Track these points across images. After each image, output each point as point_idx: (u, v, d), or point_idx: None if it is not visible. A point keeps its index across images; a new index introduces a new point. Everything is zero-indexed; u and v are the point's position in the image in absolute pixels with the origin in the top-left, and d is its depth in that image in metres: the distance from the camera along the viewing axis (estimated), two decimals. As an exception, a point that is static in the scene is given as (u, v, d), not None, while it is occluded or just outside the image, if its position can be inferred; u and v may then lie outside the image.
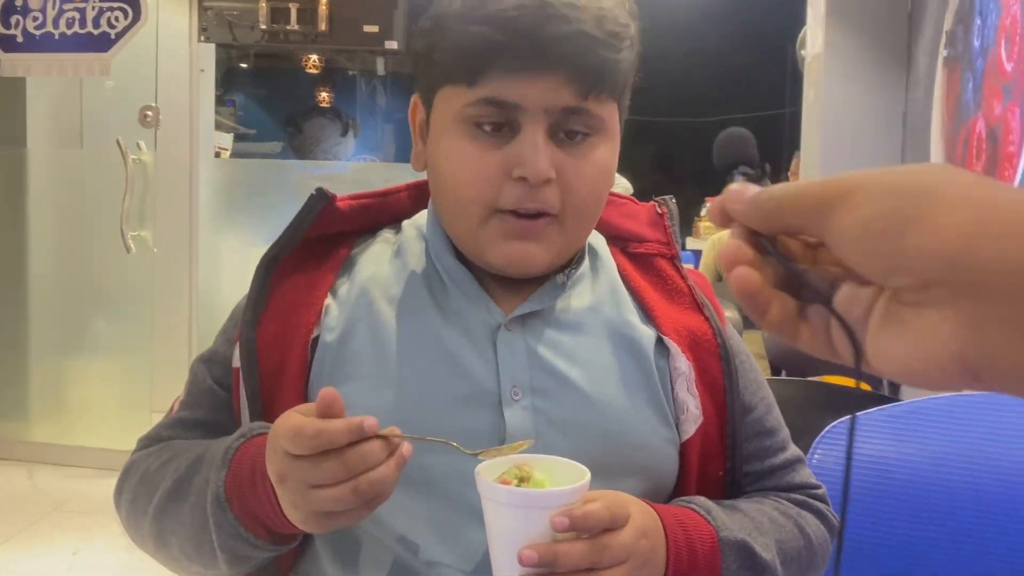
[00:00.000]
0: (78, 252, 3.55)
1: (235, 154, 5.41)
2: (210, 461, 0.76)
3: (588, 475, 0.66)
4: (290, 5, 3.57)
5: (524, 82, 0.75)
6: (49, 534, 2.81)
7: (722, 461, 0.84)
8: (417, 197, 0.92)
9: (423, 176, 0.87)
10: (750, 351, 0.90)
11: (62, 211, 3.57)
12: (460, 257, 0.84)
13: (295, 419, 0.64)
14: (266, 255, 0.84)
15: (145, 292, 3.46)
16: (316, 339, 0.81)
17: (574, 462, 0.68)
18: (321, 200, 0.85)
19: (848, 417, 0.98)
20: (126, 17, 3.19)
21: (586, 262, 0.88)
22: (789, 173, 4.41)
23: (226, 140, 5.88)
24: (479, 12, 0.75)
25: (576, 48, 0.74)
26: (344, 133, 7.37)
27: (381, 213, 0.91)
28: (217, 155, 4.55)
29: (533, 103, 0.75)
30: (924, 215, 0.35)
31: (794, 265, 0.43)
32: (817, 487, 0.89)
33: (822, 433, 0.98)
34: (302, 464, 0.63)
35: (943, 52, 2.80)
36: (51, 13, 3.22)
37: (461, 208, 0.79)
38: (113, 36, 3.20)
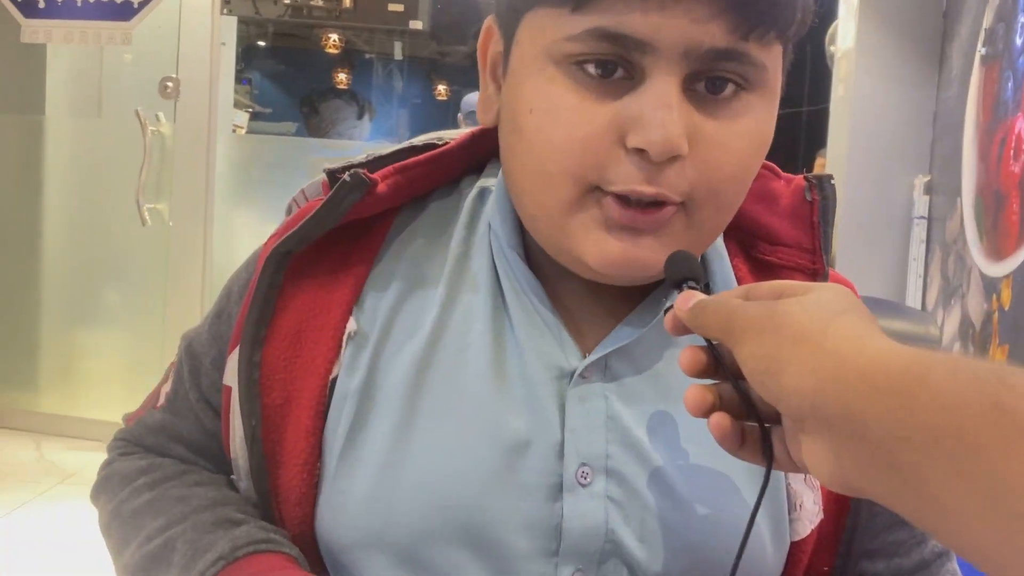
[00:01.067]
0: (93, 222, 3.52)
1: (250, 132, 5.38)
2: (178, 567, 0.58)
3: None
4: (315, -20, 3.53)
5: (659, 8, 0.50)
6: (56, 505, 2.78)
7: (832, 555, 0.62)
8: (475, 153, 0.68)
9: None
10: None
11: (78, 180, 3.54)
12: (530, 258, 0.62)
13: None
14: (277, 248, 0.61)
15: (159, 265, 3.43)
16: (334, 380, 0.60)
17: None
18: (357, 191, 0.60)
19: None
20: (149, -14, 3.15)
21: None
22: (814, 167, 4.36)
23: (242, 119, 5.85)
24: None
25: None
26: (360, 116, 7.34)
27: (430, 181, 0.67)
28: (233, 132, 4.52)
29: (670, 41, 0.51)
30: (793, 359, 0.42)
31: (736, 382, 0.49)
32: None
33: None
34: None
35: (981, 50, 2.75)
36: (74, -20, 3.18)
37: (544, 182, 0.55)
38: (136, 5, 3.16)
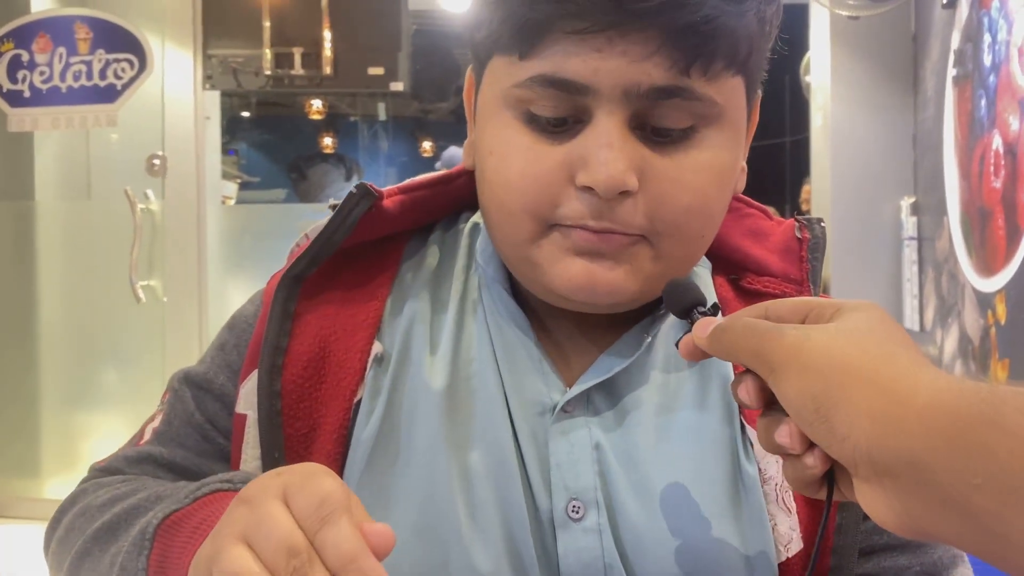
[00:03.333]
0: (88, 303, 3.52)
1: (240, 202, 5.42)
2: (134, 524, 0.54)
3: None
4: (294, 50, 3.59)
5: (596, 51, 0.51)
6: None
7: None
8: (471, 183, 0.68)
9: None
10: None
11: (71, 262, 3.56)
12: (516, 290, 0.63)
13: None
14: (287, 273, 0.61)
15: (156, 342, 3.43)
16: (359, 402, 0.60)
17: None
18: (364, 200, 0.61)
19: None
20: (132, 68, 3.20)
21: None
22: (801, 201, 4.39)
23: (231, 189, 5.89)
24: None
25: None
26: (348, 178, 7.40)
27: (435, 206, 0.68)
28: (223, 204, 4.55)
29: (609, 82, 0.51)
30: (843, 401, 0.38)
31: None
32: None
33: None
34: None
35: (952, 71, 2.79)
36: (58, 67, 3.23)
37: (507, 219, 0.57)
38: (119, 87, 3.20)
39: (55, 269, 3.56)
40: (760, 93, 0.63)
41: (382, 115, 7.18)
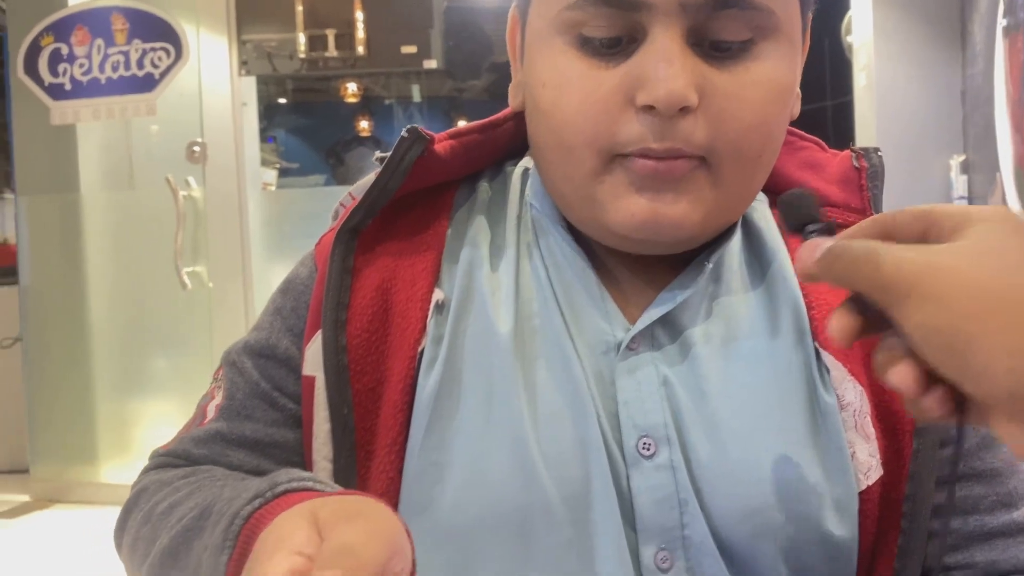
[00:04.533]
0: (136, 292, 3.58)
1: (280, 189, 5.46)
2: (216, 521, 0.50)
3: None
4: (327, 32, 3.59)
5: None
6: None
7: (898, 518, 0.58)
8: (519, 127, 0.66)
9: None
10: None
11: (118, 252, 3.62)
12: (573, 231, 0.61)
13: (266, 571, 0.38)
14: (343, 227, 0.60)
15: (203, 327, 3.48)
16: (422, 351, 0.58)
17: None
18: (417, 145, 0.59)
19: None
20: (168, 56, 3.23)
21: (738, 236, 0.62)
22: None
23: (271, 176, 5.94)
24: None
25: None
26: (385, 160, 7.43)
27: (484, 151, 0.66)
28: (263, 190, 4.59)
29: None
30: (981, 336, 0.36)
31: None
32: None
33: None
34: None
35: (1002, 21, 2.69)
36: (96, 59, 3.27)
37: (566, 155, 0.55)
38: (157, 76, 3.23)
39: (102, 259, 3.63)
40: (811, 14, 0.60)
41: (416, 96, 7.18)
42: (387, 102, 7.90)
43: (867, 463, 0.56)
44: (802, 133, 0.67)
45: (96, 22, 3.27)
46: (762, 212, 0.64)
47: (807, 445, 0.56)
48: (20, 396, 3.67)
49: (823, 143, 0.67)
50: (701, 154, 0.53)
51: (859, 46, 3.55)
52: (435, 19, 3.60)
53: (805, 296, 0.59)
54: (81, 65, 3.28)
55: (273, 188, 5.18)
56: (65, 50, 3.30)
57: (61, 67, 3.29)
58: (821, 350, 0.58)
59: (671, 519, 0.54)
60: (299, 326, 0.62)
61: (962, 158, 3.18)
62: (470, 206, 0.65)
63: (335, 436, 0.58)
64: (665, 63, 0.51)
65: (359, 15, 3.56)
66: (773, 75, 0.54)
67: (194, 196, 3.45)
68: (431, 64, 3.60)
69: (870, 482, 0.56)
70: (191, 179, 3.44)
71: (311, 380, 0.60)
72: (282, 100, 7.38)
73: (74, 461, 3.65)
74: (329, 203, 0.72)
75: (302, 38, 3.58)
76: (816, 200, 0.50)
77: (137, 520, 0.61)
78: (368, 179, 0.63)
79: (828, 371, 0.57)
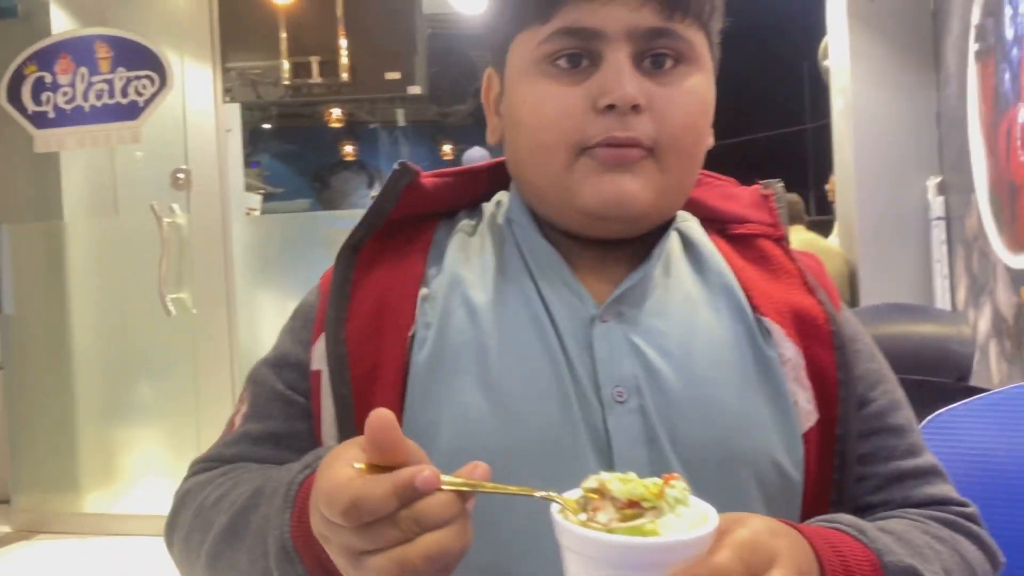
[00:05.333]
0: (119, 318, 3.57)
1: (264, 213, 5.46)
2: (271, 494, 0.62)
3: (715, 517, 0.49)
4: (311, 59, 3.62)
5: (601, 5, 0.69)
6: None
7: (831, 457, 0.72)
8: (495, 178, 0.83)
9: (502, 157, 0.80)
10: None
11: (101, 279, 3.61)
12: (546, 235, 0.76)
13: (333, 478, 0.50)
14: (346, 244, 0.75)
15: (187, 354, 3.47)
16: (413, 336, 0.71)
17: (692, 496, 0.50)
18: (406, 175, 0.75)
19: (947, 408, 0.92)
20: (153, 84, 3.24)
21: (677, 243, 0.78)
22: (827, 187, 4.35)
23: (255, 201, 5.94)
24: None
25: None
26: (370, 184, 7.44)
27: (462, 192, 0.82)
28: (247, 215, 4.59)
29: (614, 27, 0.69)
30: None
31: None
32: (964, 504, 0.74)
33: (920, 428, 0.92)
34: (343, 531, 0.49)
35: (974, 46, 2.75)
36: (80, 87, 3.28)
37: (545, 153, 0.71)
38: (141, 104, 3.25)
39: (86, 286, 3.62)
40: (715, 64, 0.77)
41: (401, 120, 7.21)
42: (372, 126, 7.93)
43: (806, 408, 0.71)
44: (717, 175, 0.84)
45: (80, 51, 3.29)
46: (695, 228, 0.80)
47: (758, 390, 0.70)
48: (1, 425, 3.64)
49: (735, 181, 0.85)
50: (650, 145, 0.70)
51: (836, 70, 3.60)
52: (419, 45, 3.64)
53: (741, 281, 0.75)
54: (65, 93, 3.29)
55: (257, 213, 5.18)
56: (49, 79, 3.31)
57: (44, 95, 3.30)
58: (762, 317, 0.73)
59: (642, 455, 0.66)
60: (307, 337, 0.75)
61: (939, 179, 3.23)
62: (450, 227, 0.80)
63: (339, 417, 0.70)
64: (619, 73, 0.69)
65: (343, 42, 3.59)
66: (696, 89, 0.72)
67: (178, 222, 3.45)
68: (415, 90, 3.63)
69: (811, 424, 0.71)
70: (175, 206, 3.44)
71: (318, 374, 0.73)
72: (267, 126, 7.39)
73: (56, 491, 3.61)
74: (313, 228, 0.84)
75: (286, 65, 3.61)
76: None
77: (188, 517, 0.71)
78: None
79: (769, 333, 0.72)
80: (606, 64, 0.69)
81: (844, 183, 3.60)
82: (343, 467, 0.50)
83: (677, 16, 0.70)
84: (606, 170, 0.70)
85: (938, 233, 3.20)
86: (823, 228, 4.33)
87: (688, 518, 0.49)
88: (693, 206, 0.80)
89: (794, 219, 4.00)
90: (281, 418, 0.74)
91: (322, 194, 7.39)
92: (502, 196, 0.82)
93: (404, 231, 0.77)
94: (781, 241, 0.79)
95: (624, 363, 0.69)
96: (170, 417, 3.55)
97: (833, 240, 4.00)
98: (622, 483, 0.49)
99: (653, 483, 0.49)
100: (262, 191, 6.49)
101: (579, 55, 0.70)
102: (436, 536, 0.48)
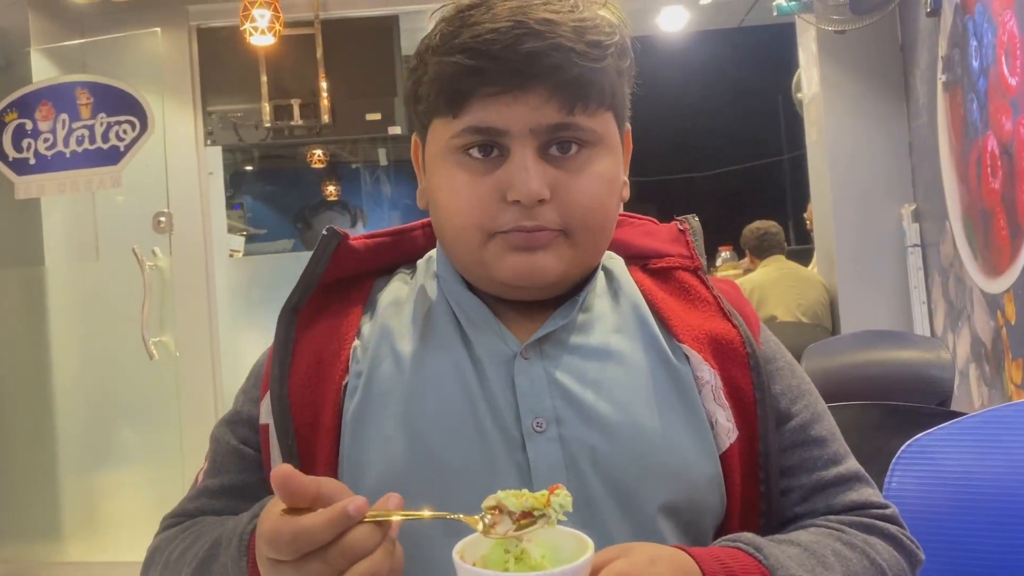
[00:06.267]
0: (102, 363, 3.54)
1: (247, 255, 5.46)
2: (227, 545, 0.70)
3: (591, 548, 0.56)
4: (292, 102, 3.65)
5: (507, 105, 0.73)
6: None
7: (756, 473, 0.77)
8: (431, 235, 0.89)
9: None
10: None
11: (83, 324, 3.58)
12: (473, 289, 0.82)
13: (272, 521, 0.58)
14: (285, 307, 0.82)
15: (170, 397, 3.44)
16: (346, 385, 0.78)
17: (573, 530, 0.58)
18: (333, 239, 0.82)
19: (925, 433, 0.94)
20: (134, 129, 3.25)
21: (601, 280, 0.84)
22: (805, 216, 4.41)
23: (238, 243, 5.93)
24: (455, 41, 0.74)
25: (554, 62, 0.72)
26: (353, 223, 7.46)
27: (397, 252, 0.89)
28: (230, 257, 4.59)
29: (518, 125, 0.73)
30: None
31: None
32: (884, 506, 0.79)
33: (898, 454, 0.93)
34: (285, 569, 0.57)
35: (941, 77, 2.82)
36: (61, 133, 3.29)
37: (460, 235, 0.77)
38: (122, 148, 3.26)
39: (68, 331, 3.59)
40: (628, 125, 0.83)
41: (383, 160, 7.25)
42: (354, 166, 7.97)
43: (725, 427, 0.76)
44: (638, 215, 0.91)
45: (60, 97, 3.30)
46: (619, 265, 0.86)
47: (675, 411, 0.76)
48: (-18, 475, 3.58)
49: (654, 219, 0.91)
50: (559, 229, 0.75)
51: (808, 102, 3.67)
52: (398, 87, 3.67)
53: (657, 311, 0.81)
54: (45, 140, 3.30)
55: (240, 255, 5.18)
56: (29, 125, 3.31)
57: (25, 142, 3.30)
58: (680, 344, 0.79)
59: (562, 478, 0.71)
60: (257, 395, 0.81)
61: (913, 207, 3.29)
62: (385, 283, 0.86)
63: (284, 457, 0.76)
64: (524, 170, 0.73)
65: (323, 84, 3.62)
66: (601, 171, 0.77)
67: (160, 266, 3.44)
68: (395, 130, 3.66)
69: (731, 441, 0.76)
70: (157, 249, 3.44)
71: (266, 427, 0.79)
72: (249, 167, 7.41)
73: (40, 540, 3.56)
74: (296, 268, 0.85)
75: (267, 108, 3.63)
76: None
77: (157, 571, 0.78)
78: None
79: (687, 358, 0.78)
80: (512, 159, 0.74)
81: (821, 213, 3.65)
82: (277, 512, 0.58)
83: (578, 109, 0.74)
84: (518, 248, 0.75)
85: (914, 260, 3.25)
86: (803, 257, 4.38)
87: (569, 548, 0.57)
88: (617, 246, 0.86)
89: (774, 248, 4.05)
90: (236, 471, 0.81)
91: (305, 235, 7.40)
92: (433, 253, 0.87)
93: (343, 289, 0.84)
94: (698, 271, 0.86)
95: (543, 396, 0.75)
96: (154, 462, 3.51)
97: (813, 269, 4.04)
98: (516, 498, 0.58)
99: (541, 494, 0.58)
100: (245, 232, 6.49)
101: (490, 146, 0.75)
102: (365, 563, 0.56)
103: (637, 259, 0.88)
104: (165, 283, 3.43)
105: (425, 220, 0.89)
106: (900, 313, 3.31)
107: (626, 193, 0.83)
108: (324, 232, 0.82)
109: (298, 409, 0.77)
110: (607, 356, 0.78)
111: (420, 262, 0.88)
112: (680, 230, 0.88)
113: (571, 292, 0.81)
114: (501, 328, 0.79)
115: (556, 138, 0.75)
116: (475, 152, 0.75)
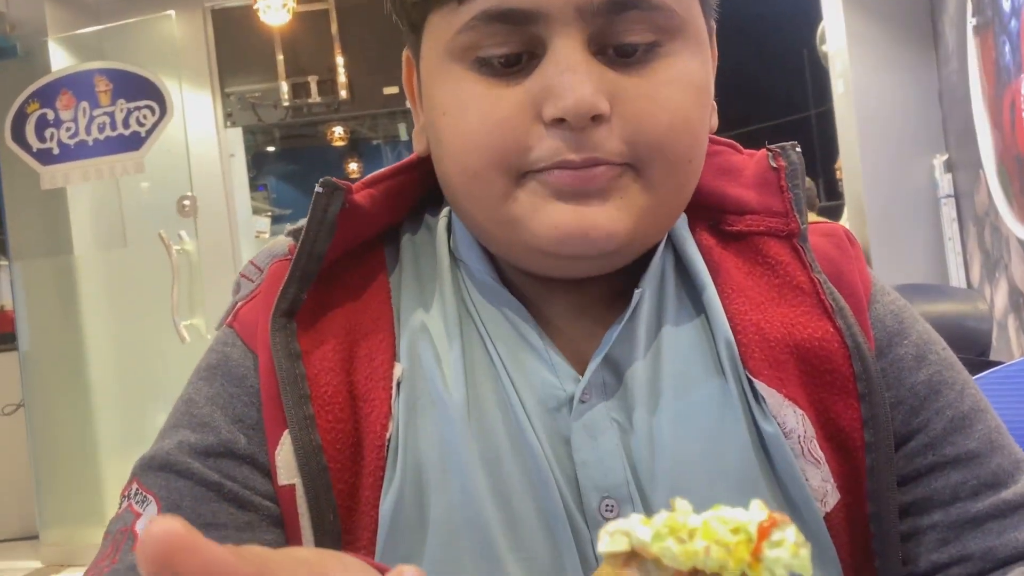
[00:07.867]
0: (134, 349, 3.59)
1: (274, 236, 5.50)
2: None
3: None
4: (309, 79, 3.63)
5: None
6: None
7: (868, 534, 0.54)
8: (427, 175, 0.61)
9: None
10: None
11: (115, 310, 3.63)
12: (506, 280, 0.57)
13: None
14: (276, 312, 0.53)
15: (204, 379, 3.48)
16: (388, 439, 0.53)
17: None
18: (336, 196, 0.54)
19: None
20: (153, 114, 3.26)
21: (670, 260, 0.58)
22: (836, 167, 4.33)
23: (264, 224, 5.97)
24: None
25: None
26: (377, 200, 7.47)
27: (402, 198, 0.61)
28: (256, 238, 4.61)
29: (558, 4, 0.48)
30: None
31: None
32: None
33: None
34: None
35: (971, 21, 2.73)
36: (82, 121, 3.30)
37: (472, 181, 0.51)
38: (143, 134, 3.27)
39: (100, 318, 3.63)
40: (715, 25, 0.57)
41: (403, 135, 7.24)
42: (374, 142, 7.96)
43: (821, 489, 0.53)
44: (714, 136, 0.60)
45: (80, 85, 3.31)
46: (681, 232, 0.59)
47: (762, 480, 0.52)
48: (26, 462, 3.66)
49: (737, 145, 0.62)
50: (624, 161, 0.50)
51: (834, 54, 3.59)
52: (414, 58, 3.65)
53: (731, 321, 0.55)
54: (68, 129, 3.32)
55: (267, 236, 5.21)
56: (51, 115, 3.33)
57: (48, 132, 3.33)
58: (753, 379, 0.53)
59: None
60: (250, 416, 0.55)
61: (945, 157, 3.21)
62: (401, 268, 0.59)
63: (320, 544, 0.51)
64: (569, 72, 0.48)
65: (340, 60, 3.60)
66: (685, 73, 0.51)
67: (187, 249, 3.46)
68: (414, 103, 3.64)
69: (828, 508, 0.53)
70: (183, 233, 3.46)
71: (290, 490, 0.52)
72: (270, 148, 7.44)
73: (83, 524, 3.63)
74: None
75: (285, 87, 3.62)
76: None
77: None
78: (275, 247, 0.58)
79: (764, 400, 0.53)
80: (551, 55, 0.49)
81: (850, 167, 3.58)
82: None
83: None
84: (563, 195, 0.50)
85: (948, 211, 3.18)
86: (834, 214, 4.31)
87: None
88: None
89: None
90: (232, 527, 0.53)
91: (330, 213, 7.44)
92: (448, 212, 0.61)
93: (344, 273, 0.58)
94: (794, 239, 0.57)
95: (613, 465, 0.52)
96: (191, 443, 3.56)
97: (844, 225, 3.98)
98: (676, 543, 0.29)
99: (738, 525, 0.28)
100: (270, 213, 6.53)
101: (515, 53, 0.50)
102: None
103: (704, 211, 0.60)
104: (193, 266, 3.46)
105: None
106: (935, 266, 3.25)
107: (715, 121, 0.57)
108: (317, 189, 0.54)
109: (336, 467, 0.52)
110: (686, 394, 0.53)
111: (440, 228, 0.60)
112: (773, 168, 0.59)
113: (634, 268, 0.55)
114: (548, 349, 0.54)
115: (615, 28, 0.49)
116: (495, 59, 0.49)
